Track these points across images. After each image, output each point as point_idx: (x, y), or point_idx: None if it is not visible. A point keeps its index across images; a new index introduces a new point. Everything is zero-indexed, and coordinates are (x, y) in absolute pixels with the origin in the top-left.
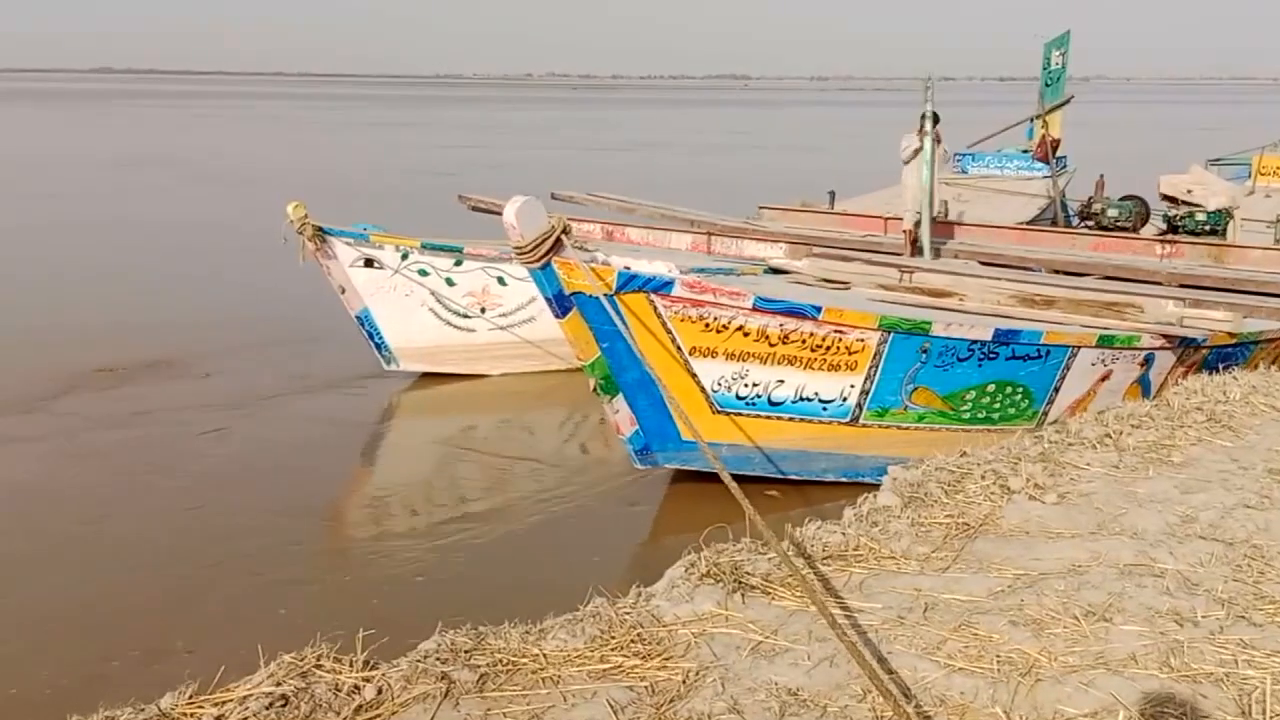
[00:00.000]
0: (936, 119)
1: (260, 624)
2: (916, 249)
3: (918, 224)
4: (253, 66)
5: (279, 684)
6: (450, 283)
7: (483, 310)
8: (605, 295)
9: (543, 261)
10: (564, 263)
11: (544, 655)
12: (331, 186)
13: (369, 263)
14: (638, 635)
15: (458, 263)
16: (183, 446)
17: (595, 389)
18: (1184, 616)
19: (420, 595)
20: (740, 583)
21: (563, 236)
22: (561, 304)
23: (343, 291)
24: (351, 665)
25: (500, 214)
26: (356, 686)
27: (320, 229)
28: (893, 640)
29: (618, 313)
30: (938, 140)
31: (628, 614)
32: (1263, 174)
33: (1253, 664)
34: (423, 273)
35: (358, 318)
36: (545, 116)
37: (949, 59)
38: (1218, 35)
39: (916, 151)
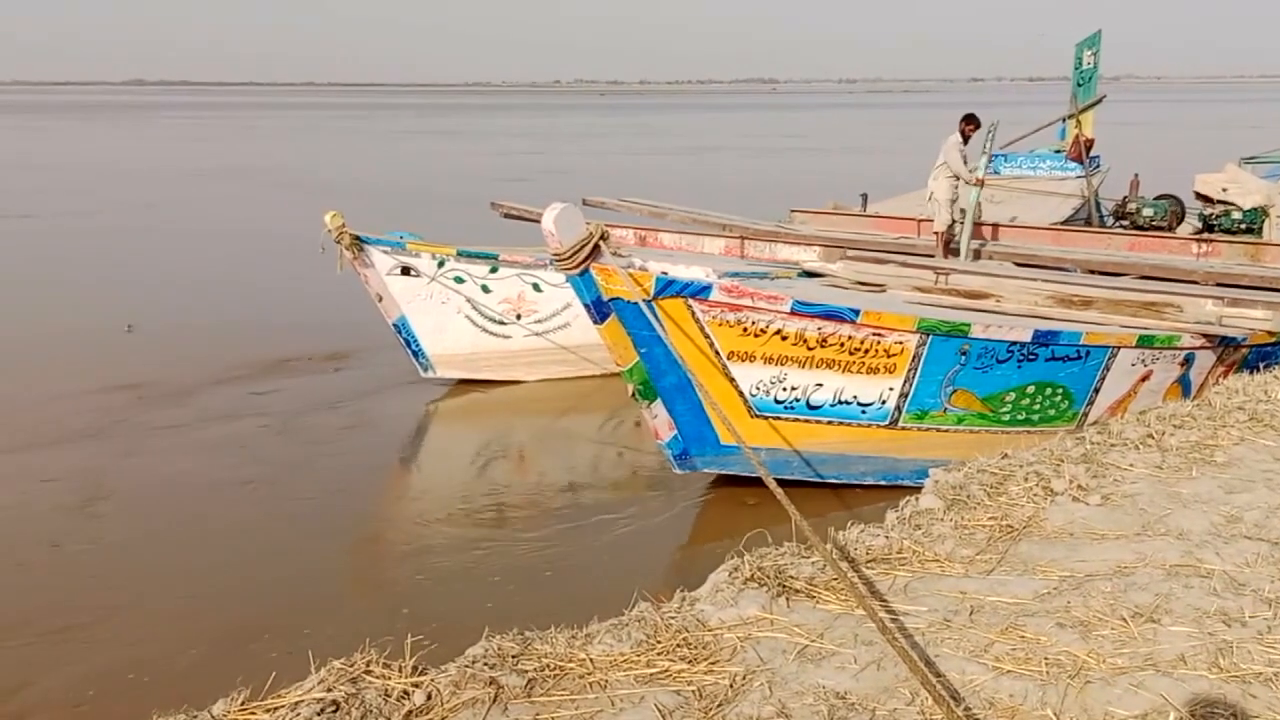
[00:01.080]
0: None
1: (310, 630)
2: (949, 250)
3: (949, 226)
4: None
5: (330, 690)
6: (486, 289)
7: (518, 317)
8: (644, 300)
9: (581, 268)
10: (602, 269)
11: (591, 660)
12: (388, 193)
13: (406, 270)
14: (683, 639)
15: (493, 270)
16: (223, 456)
17: (633, 394)
18: (1232, 617)
19: (465, 601)
20: (784, 586)
21: (601, 243)
22: (600, 310)
23: (380, 299)
24: (400, 671)
25: (534, 221)
26: (406, 692)
27: (357, 237)
28: (939, 643)
29: (656, 318)
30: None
31: (673, 618)
32: None
33: None
34: (459, 280)
35: (395, 325)
36: (574, 122)
37: (978, 59)
38: (1247, 34)
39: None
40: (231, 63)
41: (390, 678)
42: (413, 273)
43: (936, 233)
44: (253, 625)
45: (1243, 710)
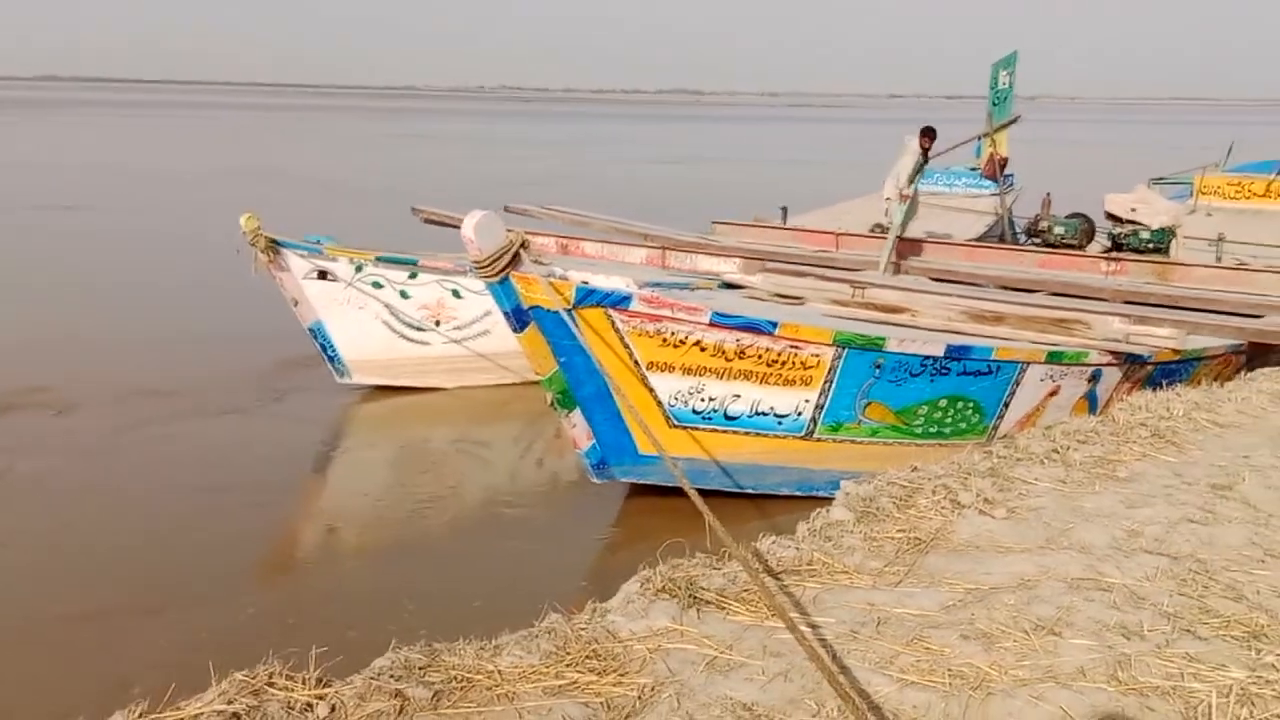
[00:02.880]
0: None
1: (212, 642)
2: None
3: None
4: (199, 76)
5: (230, 702)
6: (405, 295)
7: (437, 323)
8: (564, 309)
9: (501, 276)
10: (522, 277)
11: (499, 672)
12: (309, 196)
13: (323, 275)
14: (593, 651)
15: (412, 275)
16: (128, 461)
17: (552, 403)
18: (1131, 630)
19: (374, 612)
20: (695, 598)
21: (521, 251)
22: (519, 318)
23: (296, 304)
24: (304, 683)
25: (455, 226)
26: (309, 704)
27: (273, 241)
28: (847, 654)
29: (576, 327)
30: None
31: (583, 630)
32: (1204, 193)
33: (1198, 677)
34: (377, 285)
35: (310, 330)
36: (498, 129)
37: (897, 76)
38: (1159, 59)
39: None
40: (149, 60)
41: (294, 690)
42: (330, 277)
43: (897, 235)
44: (153, 636)
45: None
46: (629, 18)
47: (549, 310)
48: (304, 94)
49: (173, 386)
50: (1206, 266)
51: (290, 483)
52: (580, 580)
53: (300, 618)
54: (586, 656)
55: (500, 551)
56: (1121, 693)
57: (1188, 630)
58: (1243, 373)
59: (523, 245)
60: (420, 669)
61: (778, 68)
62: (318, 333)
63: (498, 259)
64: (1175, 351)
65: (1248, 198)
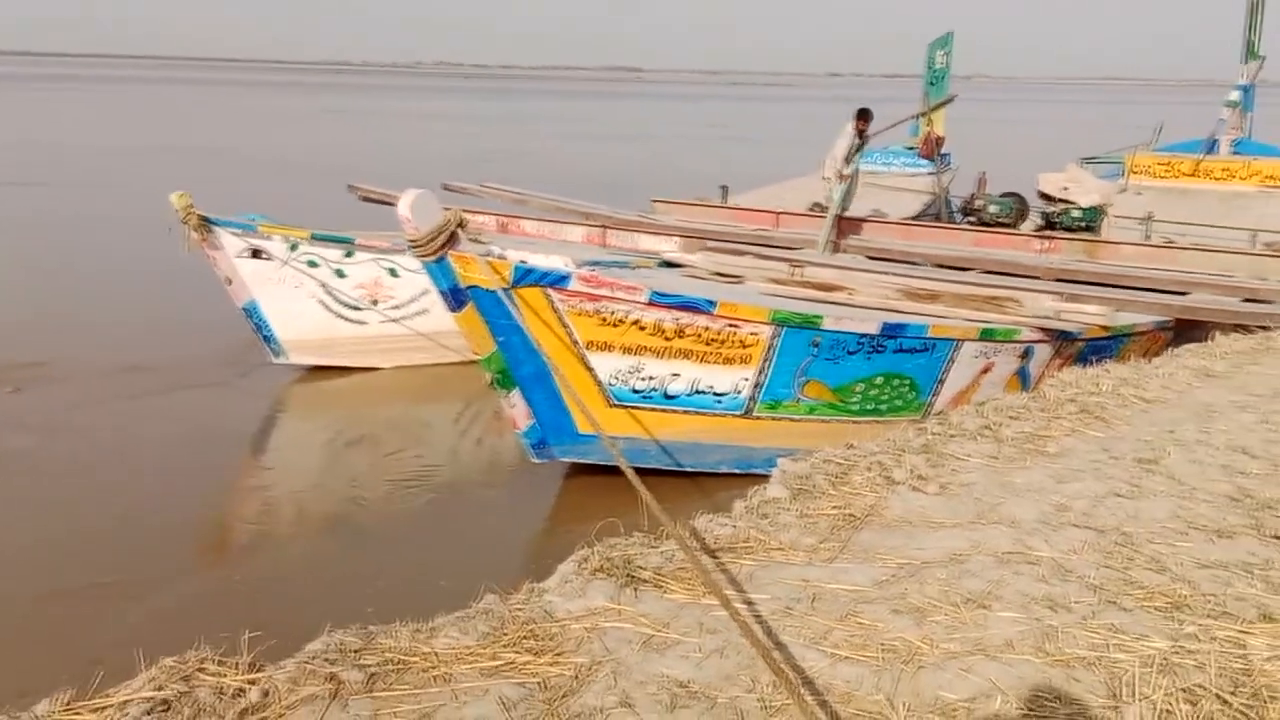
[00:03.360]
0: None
1: (142, 627)
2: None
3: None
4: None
5: (160, 688)
6: (341, 274)
7: (374, 302)
8: (502, 289)
9: (438, 255)
10: (460, 256)
11: (435, 653)
12: (243, 173)
13: (256, 253)
14: (530, 631)
15: (349, 254)
16: (55, 446)
17: (491, 383)
18: (1058, 603)
19: (309, 595)
20: (632, 577)
21: (458, 230)
22: (457, 298)
23: (229, 283)
24: (236, 668)
25: (392, 204)
26: (241, 689)
27: (205, 219)
28: (782, 631)
29: (514, 307)
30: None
31: (520, 610)
32: (1134, 172)
33: (1122, 648)
34: (312, 264)
35: (244, 310)
36: (437, 106)
37: (837, 55)
38: (1094, 38)
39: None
40: (73, 33)
41: (225, 675)
42: (264, 256)
43: (837, 215)
44: (81, 623)
45: (1066, 693)
46: None
47: (487, 290)
48: (234, 69)
49: (100, 370)
50: (1135, 245)
51: (224, 466)
52: (519, 560)
53: (233, 602)
54: (523, 637)
55: (438, 532)
56: (1048, 664)
57: (1112, 602)
58: (1169, 349)
59: (460, 224)
60: (355, 652)
61: (718, 46)
62: (252, 312)
63: (434, 238)
64: (1105, 328)
65: (1176, 177)
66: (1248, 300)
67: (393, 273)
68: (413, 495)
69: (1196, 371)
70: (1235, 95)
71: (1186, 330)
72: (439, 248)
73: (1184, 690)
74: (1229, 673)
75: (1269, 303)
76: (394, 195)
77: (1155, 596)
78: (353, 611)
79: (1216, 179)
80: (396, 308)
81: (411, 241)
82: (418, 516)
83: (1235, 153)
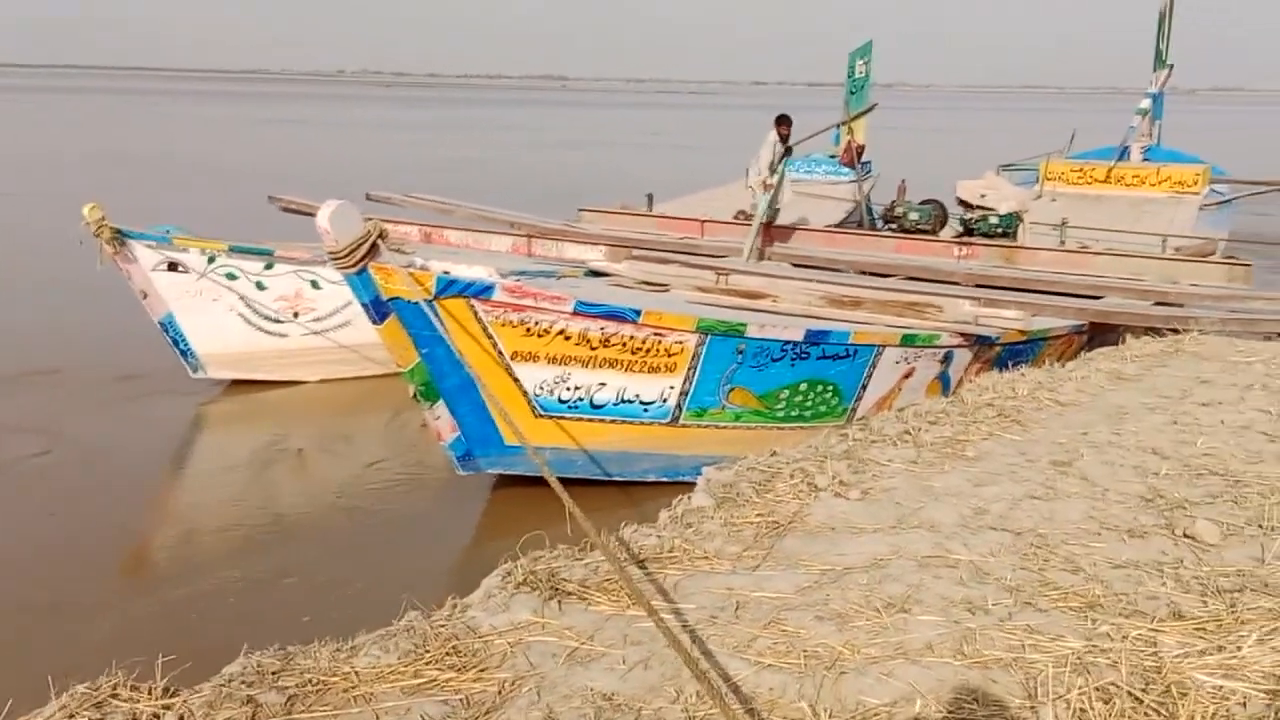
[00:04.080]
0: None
1: (54, 653)
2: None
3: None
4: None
5: (72, 716)
6: (261, 286)
7: (295, 315)
8: (424, 301)
9: (358, 267)
10: (381, 268)
11: (356, 673)
12: (160, 184)
13: (173, 266)
14: (453, 648)
15: (268, 266)
16: None
17: (415, 395)
18: (976, 605)
19: (228, 617)
20: (556, 589)
21: (379, 241)
22: (379, 310)
23: (144, 297)
24: (150, 693)
25: (314, 215)
26: (155, 715)
27: (119, 231)
28: (706, 640)
29: (437, 318)
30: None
31: (443, 626)
32: (1049, 179)
33: (1038, 648)
34: (231, 276)
35: (161, 324)
36: (359, 115)
37: (762, 63)
38: (1011, 47)
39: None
40: None
41: (139, 701)
42: (180, 269)
43: (764, 223)
44: None
45: (985, 694)
46: (492, 2)
47: (409, 301)
48: (152, 78)
49: (8, 388)
50: (1051, 250)
51: (140, 485)
52: (444, 575)
53: (149, 625)
54: (446, 654)
55: (362, 549)
56: (966, 666)
57: (1029, 603)
58: (1084, 352)
59: (381, 235)
60: (273, 674)
61: (644, 54)
62: (169, 326)
63: (355, 249)
64: (1022, 332)
65: (1089, 183)
66: (1158, 303)
67: (314, 284)
68: (336, 511)
69: (1109, 374)
70: (1145, 103)
71: (1100, 333)
72: (360, 259)
73: (1098, 689)
74: (1141, 670)
75: (1179, 306)
76: (315, 206)
77: (1070, 597)
78: (272, 632)
79: (1128, 185)
80: (318, 320)
81: (331, 253)
82: (341, 533)
83: (1146, 159)
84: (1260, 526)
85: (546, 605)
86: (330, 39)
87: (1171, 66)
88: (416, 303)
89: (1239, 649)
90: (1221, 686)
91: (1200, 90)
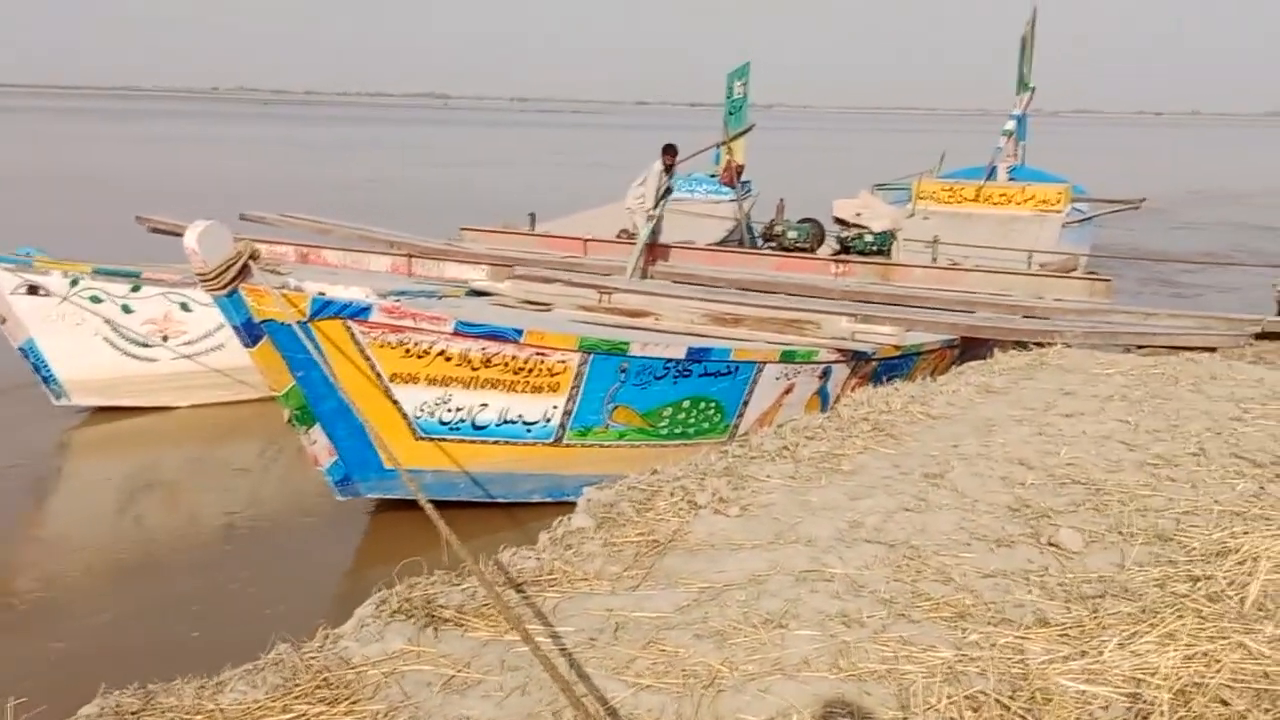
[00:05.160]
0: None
1: None
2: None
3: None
4: None
5: None
6: (127, 310)
7: (165, 338)
8: (298, 323)
9: (228, 289)
10: (253, 289)
11: (221, 710)
12: (17, 205)
13: (33, 290)
14: (324, 680)
15: (135, 288)
16: None
17: (290, 420)
18: (851, 618)
19: (89, 654)
20: (433, 616)
21: (250, 262)
22: (251, 333)
23: (3, 321)
24: None
25: (183, 236)
26: None
27: None
28: (585, 662)
29: (312, 340)
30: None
31: (313, 658)
32: (921, 198)
33: (911, 659)
34: (96, 300)
35: (21, 350)
36: (234, 133)
37: (642, 82)
38: (886, 69)
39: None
40: None
41: None
42: (41, 292)
43: (645, 244)
44: None
45: (859, 707)
46: (373, 18)
47: (283, 324)
48: (10, 94)
49: None
50: (924, 267)
51: (2, 517)
52: (319, 605)
53: (2, 666)
54: (316, 686)
55: (234, 580)
56: (842, 679)
57: (902, 614)
58: (956, 365)
59: (252, 256)
60: (133, 714)
61: (527, 74)
62: (30, 352)
63: (224, 271)
64: (897, 348)
65: (959, 202)
66: (1026, 318)
67: (185, 307)
68: (209, 542)
69: (978, 387)
70: (1010, 124)
71: (971, 347)
72: (229, 281)
73: (968, 697)
74: (1009, 678)
75: (1044, 320)
76: (184, 226)
77: (941, 607)
78: (135, 669)
79: (995, 204)
80: (189, 343)
81: (200, 275)
82: (213, 564)
83: (1012, 179)
84: (1120, 533)
85: (422, 633)
86: (204, 55)
87: (1033, 89)
88: (290, 325)
89: (1101, 654)
90: (1084, 691)
91: (1063, 112)
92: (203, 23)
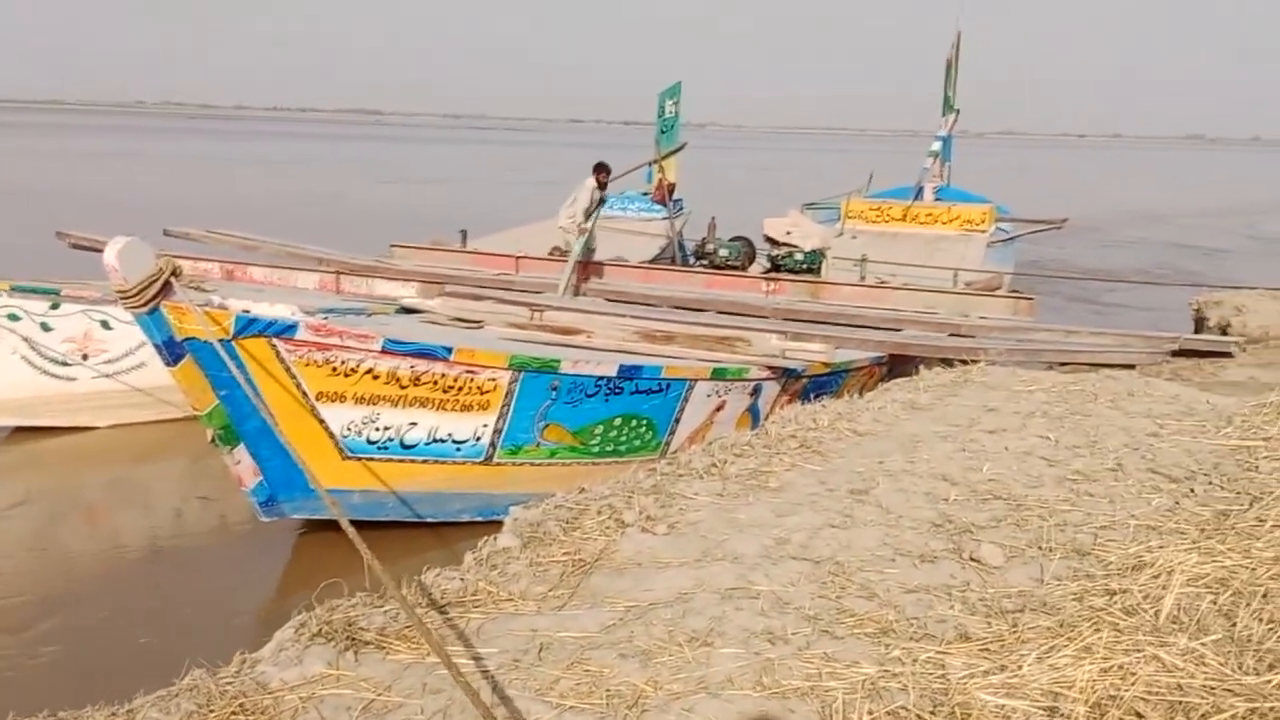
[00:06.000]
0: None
1: None
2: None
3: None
4: None
5: None
6: (46, 328)
7: (85, 357)
8: (221, 341)
9: (149, 306)
10: (175, 307)
11: None
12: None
13: None
14: (240, 706)
15: (54, 306)
16: None
17: (213, 440)
18: (776, 635)
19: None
20: (354, 639)
21: (172, 279)
22: (172, 351)
23: None
24: None
25: (103, 252)
26: None
27: None
28: (508, 684)
29: (236, 359)
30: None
31: (230, 684)
32: (849, 217)
33: (834, 675)
34: (13, 318)
35: None
36: (161, 147)
37: (578, 101)
38: (815, 90)
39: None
40: None
41: None
42: None
43: (577, 261)
44: None
45: None
46: (304, 33)
47: (205, 342)
48: None
49: None
50: (853, 285)
51: None
52: (238, 629)
53: None
54: (232, 713)
55: (155, 605)
56: (766, 697)
57: (826, 631)
58: (884, 382)
59: (174, 272)
60: None
61: (461, 90)
62: None
63: (145, 288)
64: (826, 365)
65: (887, 221)
66: (952, 335)
67: (105, 325)
68: (129, 565)
69: (904, 404)
70: (936, 145)
71: (899, 364)
72: (151, 298)
73: (889, 713)
74: (930, 693)
75: (970, 337)
76: (106, 242)
77: (865, 623)
78: (44, 697)
79: (922, 223)
80: (110, 362)
81: (120, 292)
82: (133, 589)
83: (938, 199)
84: (1040, 548)
85: (342, 656)
86: (129, 69)
87: (958, 111)
88: (213, 343)
89: (1020, 668)
90: (1004, 705)
91: (988, 134)
92: (127, 37)
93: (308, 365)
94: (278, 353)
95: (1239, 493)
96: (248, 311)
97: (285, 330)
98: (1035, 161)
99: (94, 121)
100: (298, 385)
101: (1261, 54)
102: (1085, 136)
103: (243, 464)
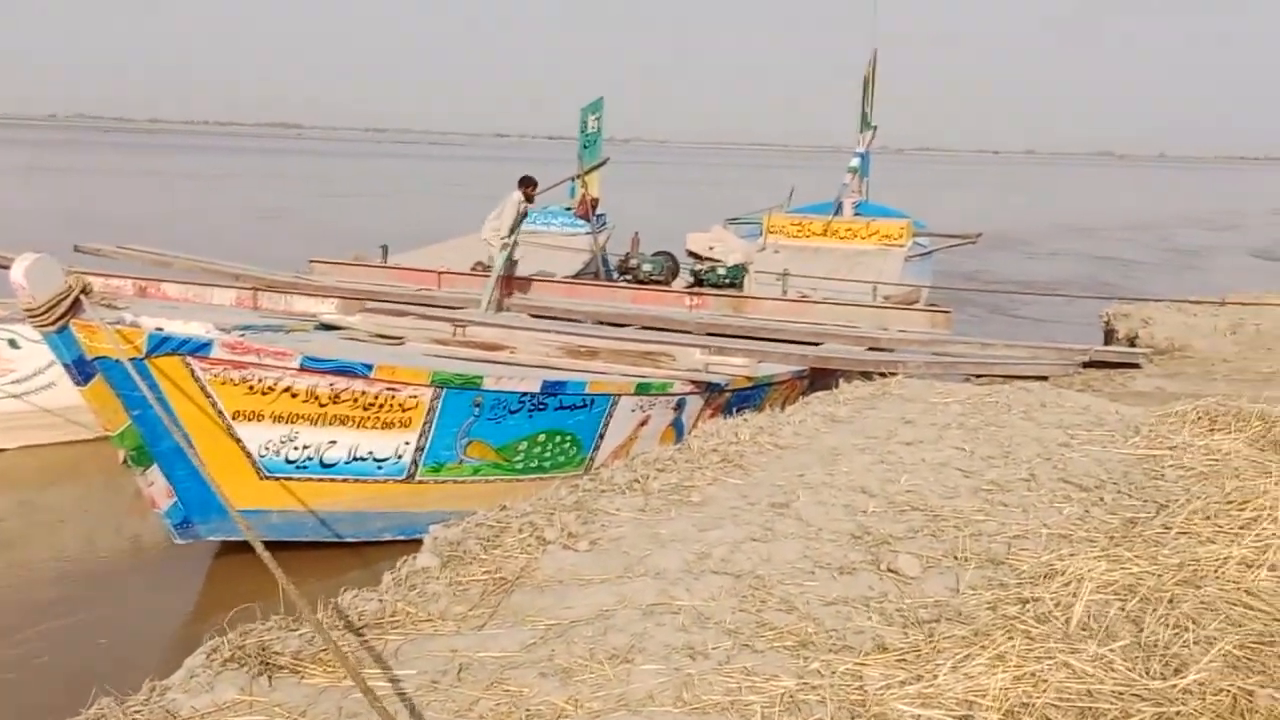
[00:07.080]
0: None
1: None
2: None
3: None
4: None
5: None
6: None
7: None
8: (133, 360)
9: (59, 324)
10: (85, 325)
11: None
12: None
13: None
14: None
15: None
16: None
17: (125, 461)
18: (696, 650)
19: None
20: (267, 664)
21: (82, 296)
22: (82, 370)
23: None
24: None
25: (9, 269)
26: None
27: None
28: (426, 707)
29: (149, 378)
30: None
31: (139, 713)
32: (771, 232)
33: (754, 689)
34: None
35: None
36: (72, 161)
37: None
38: (739, 106)
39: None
40: None
41: None
42: None
43: (499, 276)
44: None
45: None
46: (220, 46)
47: (116, 361)
48: None
49: None
50: (775, 300)
51: None
52: (149, 655)
53: None
54: None
55: (63, 632)
56: (686, 713)
57: (746, 645)
58: (805, 395)
59: (85, 290)
60: None
61: (383, 105)
62: None
63: (54, 305)
64: (749, 379)
65: (808, 236)
66: (871, 349)
67: (13, 344)
68: (37, 591)
69: (824, 417)
70: (855, 161)
71: (820, 377)
72: (60, 316)
73: None
74: (847, 705)
75: (889, 351)
76: (12, 258)
77: (785, 636)
78: None
79: (842, 238)
80: (18, 382)
81: (28, 310)
82: (41, 615)
83: (857, 214)
84: (955, 558)
85: (255, 681)
86: (40, 82)
87: (875, 127)
88: (125, 362)
89: (935, 677)
90: (919, 716)
91: (907, 150)
92: (40, 47)
93: (223, 384)
94: (192, 371)
95: (1146, 500)
96: (161, 329)
97: (200, 348)
98: (953, 177)
99: (3, 135)
100: (213, 404)
101: (1166, 74)
102: (1000, 153)
103: (156, 485)
